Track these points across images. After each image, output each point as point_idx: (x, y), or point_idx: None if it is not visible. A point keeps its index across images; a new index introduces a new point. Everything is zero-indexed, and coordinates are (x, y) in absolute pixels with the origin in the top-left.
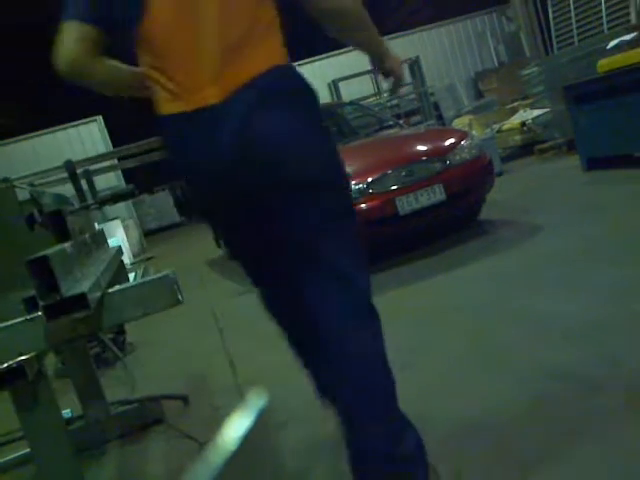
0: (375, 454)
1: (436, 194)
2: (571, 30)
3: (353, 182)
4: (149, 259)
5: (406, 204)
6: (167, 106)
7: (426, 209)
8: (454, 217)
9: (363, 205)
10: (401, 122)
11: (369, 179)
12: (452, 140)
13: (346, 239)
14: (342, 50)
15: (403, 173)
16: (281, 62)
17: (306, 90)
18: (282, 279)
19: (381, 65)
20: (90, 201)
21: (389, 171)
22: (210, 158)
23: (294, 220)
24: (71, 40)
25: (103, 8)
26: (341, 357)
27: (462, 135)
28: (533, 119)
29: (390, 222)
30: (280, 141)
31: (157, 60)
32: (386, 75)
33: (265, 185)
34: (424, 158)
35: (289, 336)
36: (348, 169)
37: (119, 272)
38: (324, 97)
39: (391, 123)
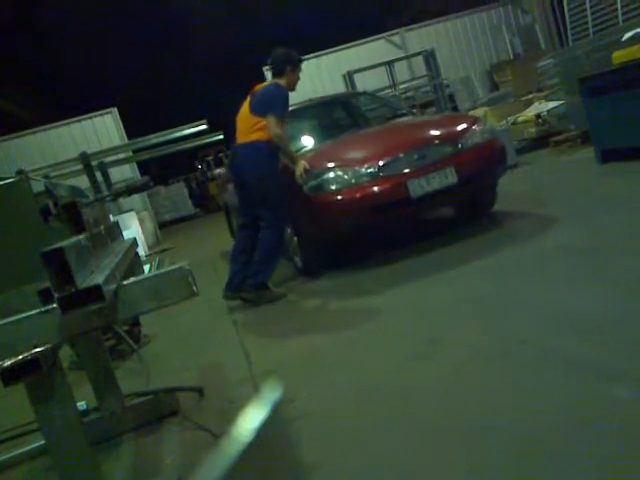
0: (256, 275)
1: (448, 177)
2: (586, 22)
3: (364, 165)
4: (164, 251)
5: (418, 187)
6: (237, 142)
7: (438, 192)
8: (469, 206)
9: (375, 188)
10: (414, 110)
11: (380, 162)
12: (464, 125)
13: (275, 205)
14: (357, 42)
15: (415, 156)
16: (260, 139)
17: (266, 147)
18: (249, 216)
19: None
20: (105, 193)
21: (401, 154)
22: (233, 160)
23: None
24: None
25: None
26: (261, 245)
27: (474, 120)
28: (548, 111)
29: (402, 205)
30: (246, 158)
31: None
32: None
33: (245, 174)
34: (436, 142)
35: (240, 238)
36: (360, 154)
37: (134, 264)
38: (339, 88)
39: (404, 111)
